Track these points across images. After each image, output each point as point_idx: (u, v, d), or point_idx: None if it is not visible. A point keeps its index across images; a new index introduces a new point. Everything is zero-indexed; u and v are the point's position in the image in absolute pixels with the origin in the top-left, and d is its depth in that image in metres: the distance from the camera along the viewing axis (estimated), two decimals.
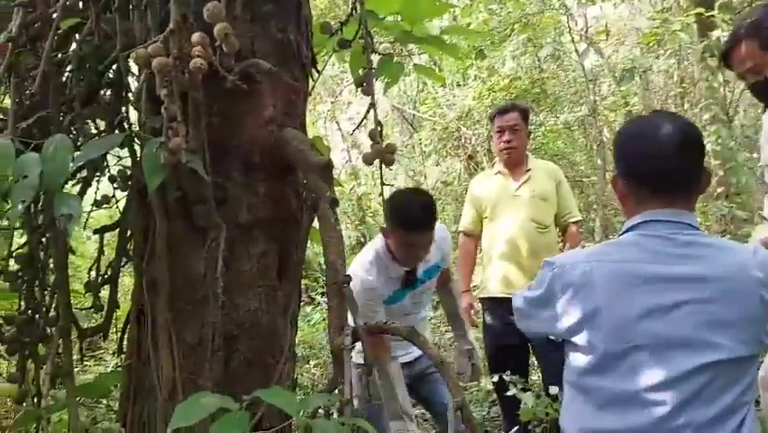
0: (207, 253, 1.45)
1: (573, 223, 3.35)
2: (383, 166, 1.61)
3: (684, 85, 9.41)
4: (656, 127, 1.44)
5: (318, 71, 1.82)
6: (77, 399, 1.54)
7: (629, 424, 1.35)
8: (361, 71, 1.71)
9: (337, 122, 10.08)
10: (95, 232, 1.76)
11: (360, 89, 1.63)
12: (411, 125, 10.07)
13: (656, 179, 1.43)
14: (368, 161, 1.60)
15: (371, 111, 1.61)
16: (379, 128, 1.62)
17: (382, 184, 1.63)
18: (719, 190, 8.07)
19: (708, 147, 8.31)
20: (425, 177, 8.80)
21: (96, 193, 1.95)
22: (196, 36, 1.28)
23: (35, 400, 1.62)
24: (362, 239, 8.77)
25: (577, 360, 1.43)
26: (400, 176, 10.51)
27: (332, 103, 9.51)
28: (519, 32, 6.44)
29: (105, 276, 1.80)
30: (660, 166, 1.41)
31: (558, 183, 3.32)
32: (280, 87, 1.58)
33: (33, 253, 1.54)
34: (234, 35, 1.37)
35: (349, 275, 1.49)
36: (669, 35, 7.19)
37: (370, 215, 8.99)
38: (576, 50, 5.94)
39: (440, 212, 8.47)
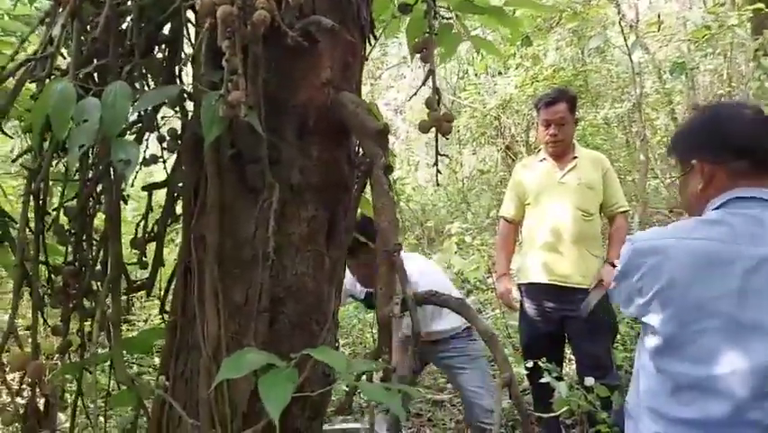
0: (258, 214, 1.43)
1: (621, 213, 3.28)
2: (439, 135, 1.56)
3: (733, 84, 9.16)
4: (742, 109, 1.45)
5: (376, 37, 1.78)
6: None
7: (704, 414, 1.30)
8: (419, 39, 1.66)
9: (375, 105, 10.00)
10: (143, 188, 1.76)
11: (418, 56, 1.59)
12: (450, 112, 9.95)
13: (760, 155, 1.41)
14: (424, 128, 1.57)
15: (430, 78, 1.57)
16: (437, 96, 1.58)
17: (437, 154, 1.59)
18: None
19: None
20: (461, 165, 8.72)
21: (144, 152, 1.96)
22: None
23: (79, 351, 1.63)
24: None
25: (650, 341, 1.39)
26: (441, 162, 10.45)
27: (371, 85, 9.46)
28: (568, 20, 6.31)
29: (152, 233, 1.79)
30: (758, 143, 1.41)
31: (605, 172, 3.25)
32: (339, 48, 1.55)
33: (84, 204, 1.53)
34: None
35: (400, 243, 1.47)
36: (720, 31, 6.98)
37: (405, 200, 8.95)
38: (626, 43, 5.79)
39: (475, 201, 8.44)
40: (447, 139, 1.55)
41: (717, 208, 1.42)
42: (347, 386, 1.19)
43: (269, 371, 1.16)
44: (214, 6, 1.19)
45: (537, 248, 3.22)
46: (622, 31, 5.73)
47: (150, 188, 1.78)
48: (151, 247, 1.80)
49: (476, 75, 8.44)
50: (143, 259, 1.80)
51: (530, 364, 3.00)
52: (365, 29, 1.67)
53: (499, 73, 8.90)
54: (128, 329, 3.17)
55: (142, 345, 1.66)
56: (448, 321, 2.92)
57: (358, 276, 2.91)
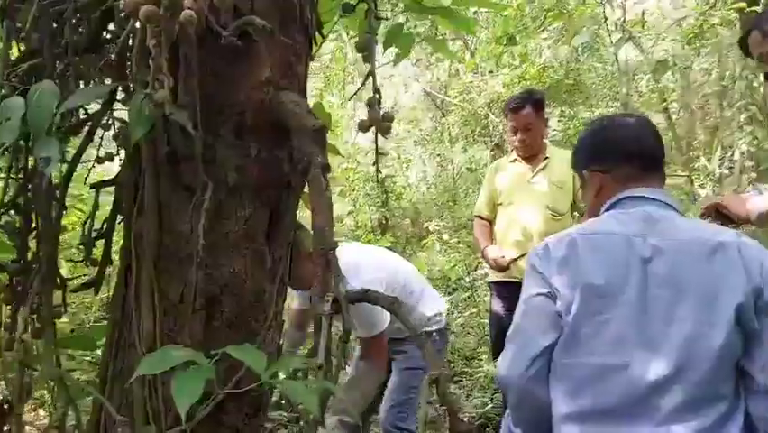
0: (193, 212, 1.44)
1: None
2: (378, 135, 1.57)
3: (723, 83, 9.16)
4: (628, 120, 1.64)
5: (323, 36, 1.79)
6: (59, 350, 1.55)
7: (605, 402, 1.35)
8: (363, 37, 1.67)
9: (321, 103, 9.98)
10: (91, 187, 1.76)
11: (361, 55, 1.60)
12: (441, 110, 9.99)
13: (638, 160, 1.53)
14: (363, 128, 1.58)
15: (371, 78, 1.58)
16: (377, 96, 1.59)
17: (377, 153, 1.60)
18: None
19: (743, 148, 8.11)
20: (452, 162, 8.73)
21: (98, 150, 1.97)
22: None
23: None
24: (385, 221, 8.76)
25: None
26: (426, 160, 10.47)
27: (362, 83, 9.43)
28: (553, 19, 6.32)
29: (101, 231, 1.80)
30: (641, 148, 1.55)
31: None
32: (279, 48, 1.56)
33: (22, 201, 1.54)
34: None
35: (336, 242, 1.48)
36: (706, 29, 6.99)
37: (394, 198, 8.97)
38: (611, 41, 5.80)
39: (463, 198, 8.44)
40: (386, 138, 1.56)
41: (608, 209, 1.53)
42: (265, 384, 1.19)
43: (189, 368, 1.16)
44: (137, 6, 1.20)
45: (507, 247, 3.23)
46: (607, 29, 5.72)
47: (98, 186, 1.79)
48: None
49: (464, 74, 8.43)
50: (91, 257, 1.81)
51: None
52: (309, 29, 1.68)
53: (490, 72, 8.90)
54: (78, 326, 3.17)
55: (87, 343, 1.66)
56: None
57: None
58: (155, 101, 1.23)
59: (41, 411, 3.78)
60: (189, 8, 1.26)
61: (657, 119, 9.98)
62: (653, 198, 1.49)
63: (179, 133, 1.41)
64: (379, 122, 1.56)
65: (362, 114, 10.40)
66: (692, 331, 1.32)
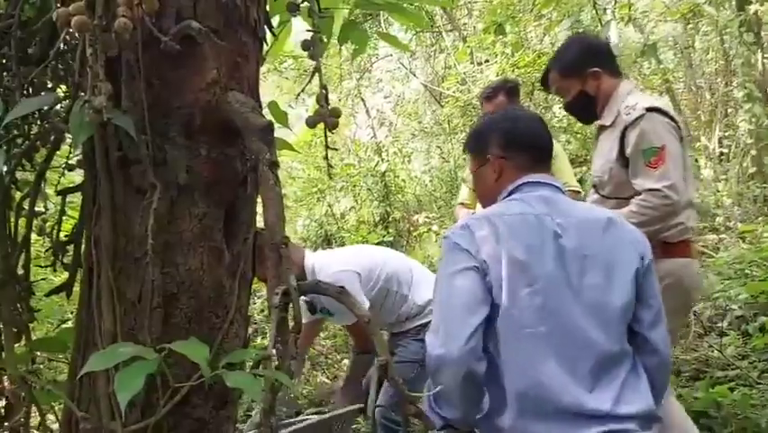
0: (143, 213, 1.49)
1: (570, 192, 3.32)
2: (327, 130, 1.61)
3: (720, 62, 9.12)
4: (528, 114, 1.89)
5: (275, 35, 1.83)
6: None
7: (534, 378, 1.46)
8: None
9: (362, 99, 10.08)
10: (57, 193, 1.82)
11: (307, 53, 1.64)
12: (439, 103, 10.01)
13: (537, 150, 1.74)
14: (310, 124, 1.61)
15: (316, 75, 1.62)
16: (324, 91, 1.62)
17: (326, 147, 1.64)
18: (752, 170, 7.85)
19: (743, 126, 8.07)
20: (449, 153, 8.76)
21: (68, 158, 2.02)
22: None
23: None
24: (386, 216, 8.80)
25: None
26: (426, 153, 10.49)
27: (357, 80, 9.49)
28: (542, 5, 6.32)
29: (70, 237, 1.85)
30: (541, 140, 1.76)
31: (554, 156, 3.28)
32: (225, 49, 1.60)
33: None
34: None
35: (287, 237, 1.52)
36: (699, 7, 6.96)
37: (395, 192, 9.00)
38: (600, 23, 5.79)
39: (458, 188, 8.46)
40: (332, 133, 1.60)
41: (511, 193, 1.67)
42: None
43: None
44: (69, 17, 1.24)
45: None
46: (596, 13, 5.71)
47: (64, 192, 1.84)
48: None
49: (455, 65, 8.44)
50: (63, 261, 1.86)
51: None
52: (258, 29, 1.72)
53: (486, 61, 8.91)
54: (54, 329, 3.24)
55: (58, 345, 1.72)
56: (400, 313, 2.94)
57: None
58: (94, 108, 1.27)
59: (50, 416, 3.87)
60: (124, 16, 1.30)
61: (664, 100, 9.96)
62: (547, 183, 1.67)
63: (127, 137, 1.45)
64: (326, 117, 1.60)
65: (359, 109, 10.45)
66: (601, 297, 1.47)
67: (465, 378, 1.48)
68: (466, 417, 1.55)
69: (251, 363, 1.54)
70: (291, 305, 1.46)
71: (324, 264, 2.73)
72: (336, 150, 1.68)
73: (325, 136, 1.60)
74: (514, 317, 1.46)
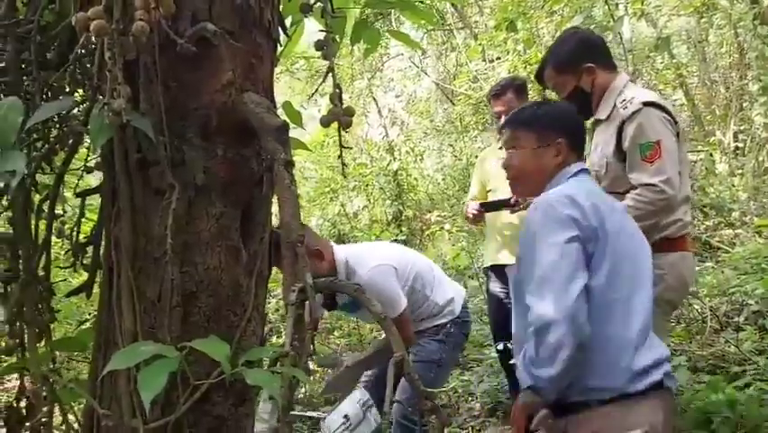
0: (162, 214, 1.51)
1: None
2: (341, 129, 1.62)
3: (735, 56, 9.03)
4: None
5: (288, 36, 1.85)
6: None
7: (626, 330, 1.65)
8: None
9: (374, 98, 10.10)
10: (76, 195, 1.84)
11: (320, 53, 1.65)
12: (451, 101, 10.01)
13: (581, 137, 1.89)
14: (325, 123, 1.63)
15: (330, 75, 1.63)
16: (338, 91, 1.64)
17: (341, 147, 1.65)
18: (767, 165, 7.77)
19: (758, 120, 8.00)
20: (462, 151, 8.76)
21: (86, 160, 2.06)
22: (139, 0, 1.32)
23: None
24: (399, 215, 8.82)
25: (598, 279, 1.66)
26: (439, 151, 10.49)
27: (369, 79, 9.51)
28: (553, 2, 6.29)
29: (89, 238, 1.88)
30: (582, 128, 1.94)
31: None
32: (240, 51, 1.61)
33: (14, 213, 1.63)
34: None
35: (303, 235, 1.53)
36: (714, 1, 6.90)
37: (408, 190, 9.01)
38: (613, 18, 5.75)
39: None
40: (346, 132, 1.61)
41: (572, 177, 1.80)
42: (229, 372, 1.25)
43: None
44: (88, 21, 1.26)
45: (498, 231, 3.28)
46: (608, 7, 5.68)
47: (83, 194, 1.87)
48: None
49: (467, 63, 8.44)
50: (83, 262, 1.89)
51: (500, 347, 3.05)
52: (272, 30, 1.73)
53: (498, 58, 8.88)
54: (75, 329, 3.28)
55: (79, 344, 1.74)
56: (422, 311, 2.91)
57: None
58: (113, 110, 1.29)
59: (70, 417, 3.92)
60: (141, 19, 1.33)
61: (677, 95, 9.89)
62: (586, 170, 1.88)
63: (146, 139, 1.47)
64: (340, 116, 1.61)
65: (371, 109, 10.45)
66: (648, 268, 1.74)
67: (576, 338, 1.56)
68: (561, 379, 1.60)
69: (266, 361, 1.56)
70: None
71: (359, 258, 2.65)
72: (350, 148, 1.69)
73: (339, 135, 1.62)
74: (609, 284, 1.62)
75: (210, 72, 1.58)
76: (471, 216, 3.28)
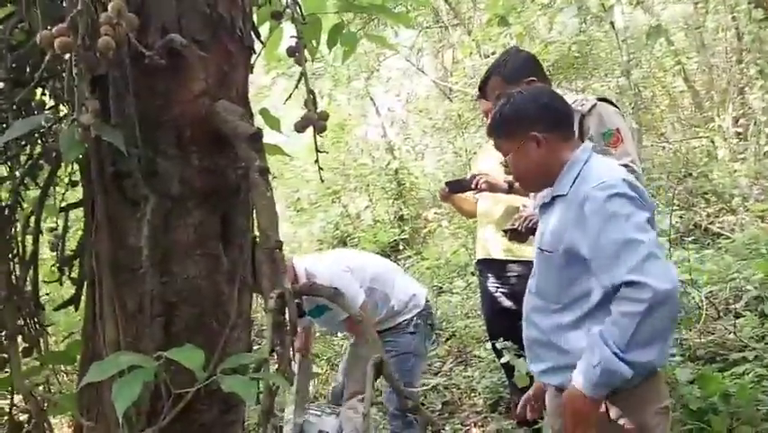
0: (137, 225, 1.52)
1: None
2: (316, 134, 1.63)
3: (732, 41, 8.98)
4: (548, 90, 2.00)
5: (263, 43, 1.86)
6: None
7: None
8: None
9: (371, 98, 10.10)
10: (60, 210, 1.86)
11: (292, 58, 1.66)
12: (449, 98, 9.99)
13: (557, 115, 1.84)
14: (299, 129, 1.64)
15: (303, 80, 1.64)
16: (312, 96, 1.65)
17: (317, 151, 1.66)
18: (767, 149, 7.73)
19: (756, 105, 7.96)
20: (461, 149, 8.75)
21: (71, 174, 2.07)
22: (103, 16, 1.33)
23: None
24: (401, 214, 8.82)
25: None
26: (439, 149, 10.48)
27: (366, 79, 9.52)
28: None
29: (75, 251, 1.90)
30: (568, 115, 1.87)
31: None
32: (213, 60, 1.63)
33: None
34: (153, 12, 1.44)
35: (281, 241, 1.54)
36: None
37: (409, 189, 9.01)
38: (603, 7, 5.75)
39: None
40: (322, 136, 1.62)
41: (589, 158, 1.78)
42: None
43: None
44: (51, 39, 1.27)
45: (491, 226, 3.27)
46: None
47: (66, 208, 1.89)
48: None
49: (464, 58, 8.43)
50: (70, 276, 1.91)
51: (497, 345, 3.05)
52: (244, 38, 1.74)
53: (493, 53, 8.87)
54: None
55: (67, 357, 1.76)
56: (386, 310, 3.05)
57: None
58: (82, 125, 1.31)
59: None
60: (107, 35, 1.34)
61: (677, 82, 9.86)
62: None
63: (119, 151, 1.49)
64: (314, 121, 1.62)
65: (370, 109, 10.45)
66: None
67: (678, 308, 1.64)
68: (660, 355, 1.61)
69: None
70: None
71: (316, 266, 2.86)
72: (326, 152, 1.70)
73: (315, 140, 1.63)
74: None
75: (181, 83, 1.59)
76: (440, 197, 3.38)
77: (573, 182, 1.73)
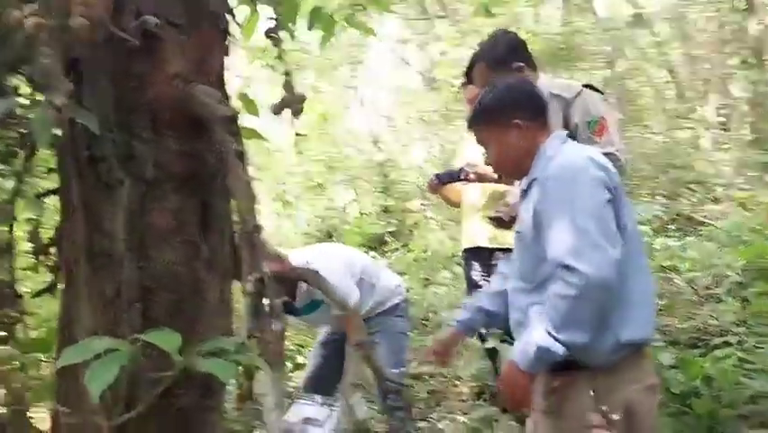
0: (113, 209, 1.51)
1: None
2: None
3: (714, 31, 9.03)
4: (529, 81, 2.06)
5: (239, 25, 1.84)
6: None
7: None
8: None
9: (354, 88, 10.06)
10: (36, 196, 1.84)
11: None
12: (435, 90, 9.96)
13: (537, 105, 1.85)
14: (276, 111, 1.62)
15: (281, 63, 1.63)
16: (289, 78, 1.63)
17: (296, 135, 1.65)
18: (750, 138, 7.79)
19: (738, 94, 8.02)
20: (448, 140, 8.75)
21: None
22: None
23: None
24: (387, 207, 8.79)
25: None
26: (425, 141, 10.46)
27: (351, 70, 9.48)
28: None
29: (52, 238, 1.87)
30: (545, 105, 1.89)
31: None
32: (188, 43, 1.61)
33: None
34: None
35: (259, 225, 1.53)
36: None
37: (396, 182, 8.99)
38: None
39: None
40: (297, 119, 1.60)
41: (563, 144, 1.78)
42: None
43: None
44: (21, 19, 1.25)
45: (476, 214, 3.28)
46: None
47: (42, 195, 1.86)
48: None
49: (449, 51, 8.42)
50: (47, 264, 1.88)
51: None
52: (221, 24, 1.72)
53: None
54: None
55: (44, 345, 1.74)
56: (373, 300, 3.07)
57: None
58: (54, 107, 1.29)
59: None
60: (80, 15, 1.32)
61: (661, 73, 9.90)
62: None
63: (94, 135, 1.47)
64: (292, 103, 1.61)
65: (355, 100, 10.41)
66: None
67: (611, 297, 1.60)
68: (593, 340, 1.62)
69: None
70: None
71: (306, 259, 2.85)
72: (305, 135, 1.68)
73: (291, 123, 1.61)
74: (628, 239, 1.65)
75: (156, 65, 1.57)
76: (429, 188, 3.39)
77: (546, 166, 1.74)
